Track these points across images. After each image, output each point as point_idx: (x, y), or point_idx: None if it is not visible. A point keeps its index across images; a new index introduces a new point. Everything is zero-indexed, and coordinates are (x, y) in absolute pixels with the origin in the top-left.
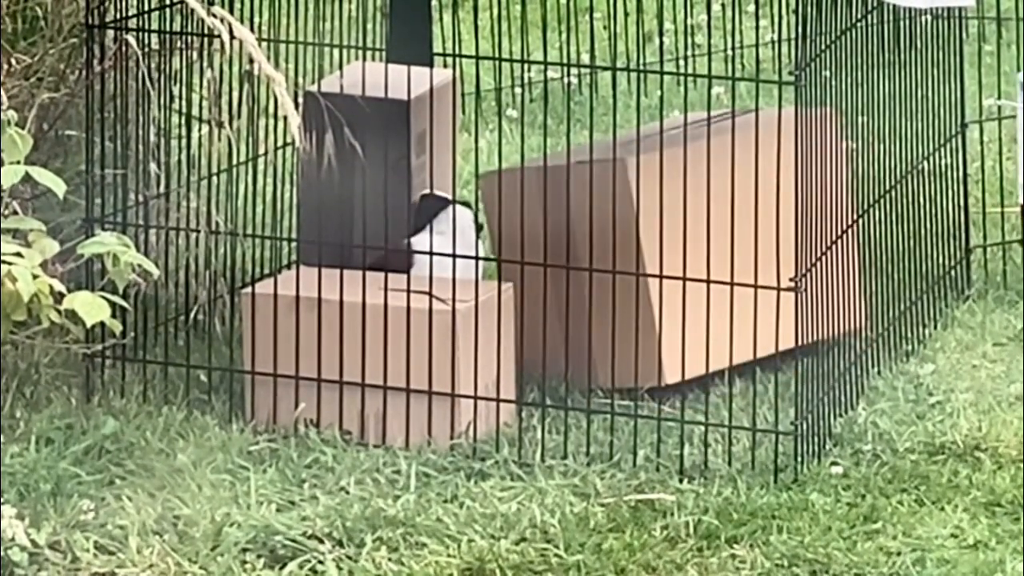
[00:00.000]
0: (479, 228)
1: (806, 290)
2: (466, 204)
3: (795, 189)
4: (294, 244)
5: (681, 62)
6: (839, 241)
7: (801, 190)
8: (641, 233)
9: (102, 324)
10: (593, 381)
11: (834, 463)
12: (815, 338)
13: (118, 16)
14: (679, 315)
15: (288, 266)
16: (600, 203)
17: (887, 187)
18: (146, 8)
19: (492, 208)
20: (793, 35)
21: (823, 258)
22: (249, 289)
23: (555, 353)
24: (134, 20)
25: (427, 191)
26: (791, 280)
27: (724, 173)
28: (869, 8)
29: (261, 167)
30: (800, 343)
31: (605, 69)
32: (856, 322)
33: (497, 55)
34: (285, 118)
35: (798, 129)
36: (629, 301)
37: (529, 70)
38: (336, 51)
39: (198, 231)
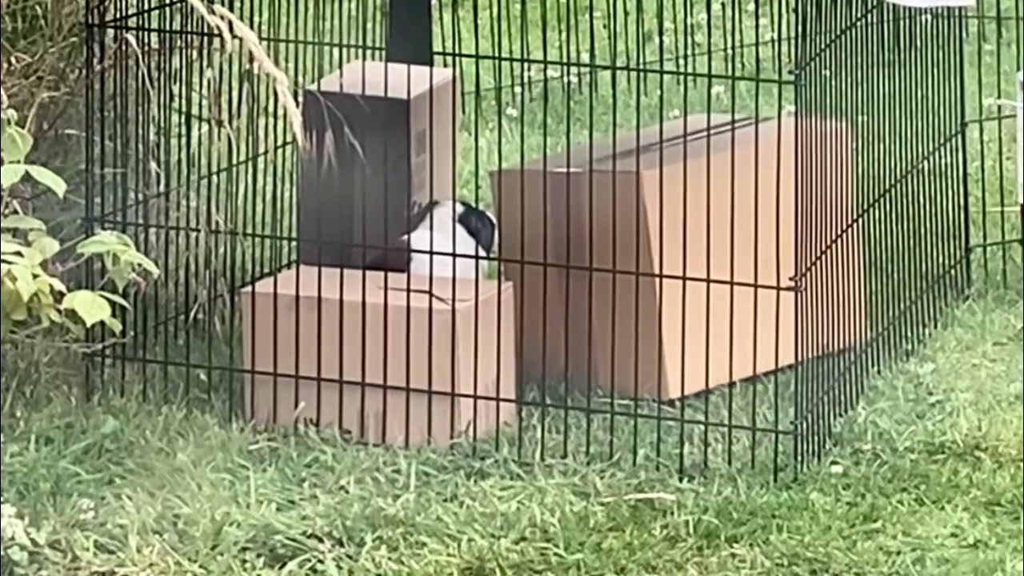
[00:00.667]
0: (493, 226)
1: (806, 290)
2: (468, 204)
3: (795, 199)
4: (294, 243)
5: (681, 61)
6: (839, 241)
7: (801, 199)
8: (652, 244)
9: (102, 323)
10: (593, 382)
11: (834, 462)
12: (816, 349)
13: (118, 15)
14: (680, 325)
15: (288, 265)
16: (615, 211)
17: (887, 186)
18: (146, 7)
19: (504, 204)
20: (793, 34)
21: (823, 258)
22: (249, 288)
23: (555, 353)
24: (134, 19)
25: (436, 199)
26: (791, 279)
27: (738, 184)
28: (869, 7)
29: (261, 166)
30: (800, 357)
31: (605, 68)
32: (856, 323)
33: (497, 54)
34: (285, 117)
35: (800, 141)
36: (632, 304)
37: (529, 69)
38: (336, 50)
39: (198, 230)
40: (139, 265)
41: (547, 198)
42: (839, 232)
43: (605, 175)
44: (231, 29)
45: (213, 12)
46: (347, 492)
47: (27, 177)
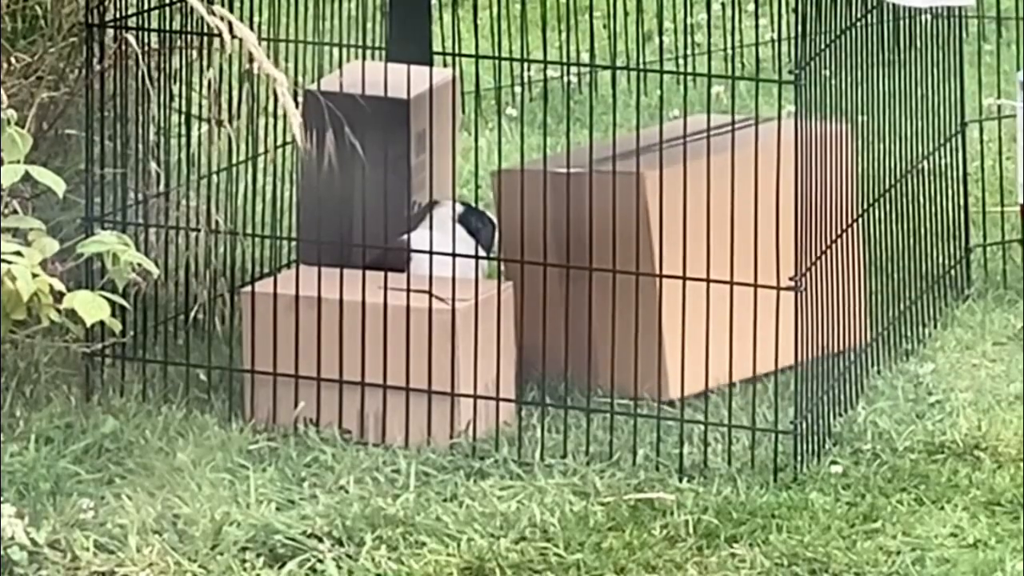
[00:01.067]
0: (493, 226)
1: (806, 290)
2: (468, 204)
3: (795, 199)
4: (294, 243)
5: (681, 61)
6: (838, 242)
7: (802, 199)
8: (653, 244)
9: (102, 323)
10: (593, 382)
11: (834, 462)
12: (816, 349)
13: (118, 15)
14: (681, 326)
15: (288, 265)
16: (615, 211)
17: (887, 186)
18: (146, 7)
19: (506, 204)
20: (793, 34)
21: (823, 258)
22: (249, 288)
23: (555, 353)
24: (134, 19)
25: (436, 199)
26: (791, 279)
27: (738, 185)
28: (869, 7)
29: (261, 166)
30: (801, 357)
31: (605, 68)
32: (856, 323)
33: (497, 54)
34: (285, 117)
35: (800, 142)
36: (632, 305)
37: (529, 69)
38: (336, 50)
39: (198, 230)
40: (139, 265)
41: (547, 198)
42: (839, 232)
43: (606, 176)
44: (231, 29)
45: (213, 13)
46: (347, 492)
47: (27, 177)
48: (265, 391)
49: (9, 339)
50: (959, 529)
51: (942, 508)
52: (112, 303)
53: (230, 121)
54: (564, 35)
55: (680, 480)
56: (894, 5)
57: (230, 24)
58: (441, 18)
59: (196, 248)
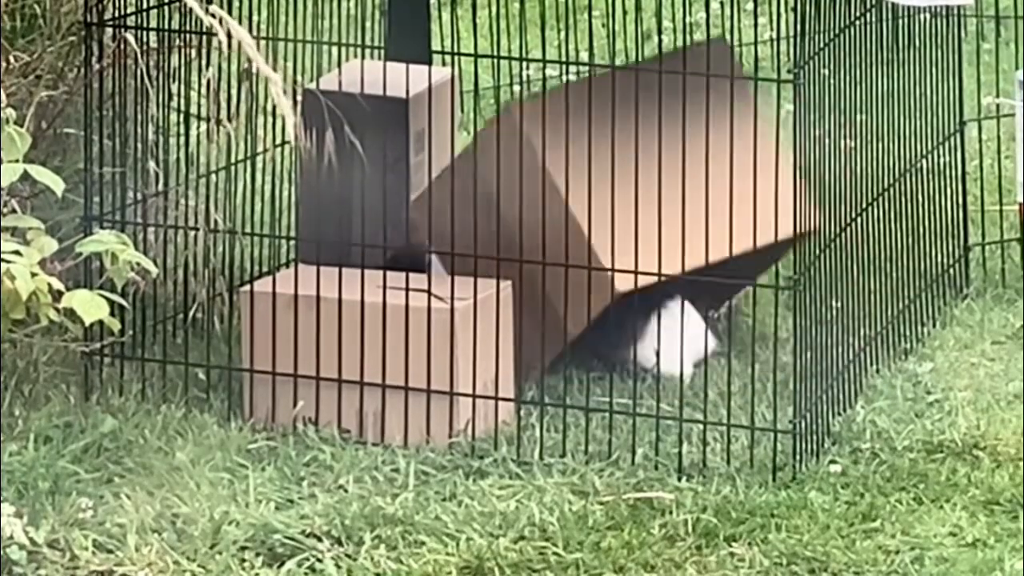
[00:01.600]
0: None
1: (805, 288)
2: None
3: (794, 201)
4: (293, 242)
5: None
6: (838, 239)
7: (803, 199)
8: (547, 170)
9: (101, 322)
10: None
11: (832, 461)
12: (815, 348)
13: (116, 14)
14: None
15: (287, 264)
16: (499, 147)
17: (886, 185)
18: (144, 6)
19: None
20: (792, 33)
21: (822, 256)
22: (248, 287)
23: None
24: (132, 18)
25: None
26: (790, 279)
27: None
28: (868, 6)
29: (260, 165)
30: (799, 356)
31: (604, 67)
32: (855, 322)
33: (496, 53)
34: (283, 116)
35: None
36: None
37: (528, 68)
38: (335, 49)
39: (197, 229)
40: (138, 264)
41: (455, 188)
42: (839, 230)
43: (488, 129)
44: (228, 30)
45: (210, 13)
46: (346, 491)
47: (26, 176)
48: (264, 390)
49: (8, 338)
50: (958, 528)
51: (941, 507)
52: (111, 302)
53: (229, 120)
54: (563, 34)
55: (679, 479)
56: (893, 4)
57: (225, 23)
58: (440, 17)
59: (195, 247)
